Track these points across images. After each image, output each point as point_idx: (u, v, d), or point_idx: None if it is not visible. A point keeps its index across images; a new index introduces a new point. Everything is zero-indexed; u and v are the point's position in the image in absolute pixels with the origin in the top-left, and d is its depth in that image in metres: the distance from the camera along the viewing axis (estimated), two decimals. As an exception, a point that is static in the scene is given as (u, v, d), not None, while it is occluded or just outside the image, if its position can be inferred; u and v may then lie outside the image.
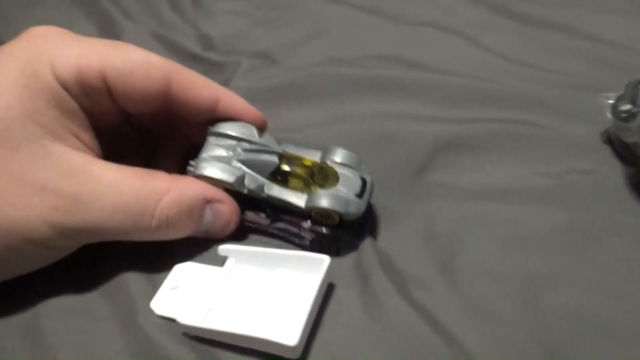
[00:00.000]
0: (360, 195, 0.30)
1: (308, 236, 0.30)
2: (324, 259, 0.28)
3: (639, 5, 0.46)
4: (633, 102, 0.32)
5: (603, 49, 0.42)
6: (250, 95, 0.33)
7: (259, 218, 0.31)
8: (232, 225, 0.31)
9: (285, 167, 0.31)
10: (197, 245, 0.31)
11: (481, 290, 0.28)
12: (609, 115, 0.33)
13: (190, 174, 0.30)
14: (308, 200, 0.30)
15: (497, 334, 0.26)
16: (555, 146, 0.35)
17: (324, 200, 0.29)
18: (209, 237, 0.30)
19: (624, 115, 0.32)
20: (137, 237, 0.28)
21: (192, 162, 0.30)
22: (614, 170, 0.34)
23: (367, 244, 0.30)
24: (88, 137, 0.28)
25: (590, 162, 0.34)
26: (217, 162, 0.30)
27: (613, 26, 0.44)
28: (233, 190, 0.30)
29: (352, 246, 0.30)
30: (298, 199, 0.30)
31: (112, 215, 0.27)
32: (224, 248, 0.30)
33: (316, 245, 0.30)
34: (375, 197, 0.32)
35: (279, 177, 0.31)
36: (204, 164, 0.30)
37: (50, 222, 0.26)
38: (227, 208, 0.30)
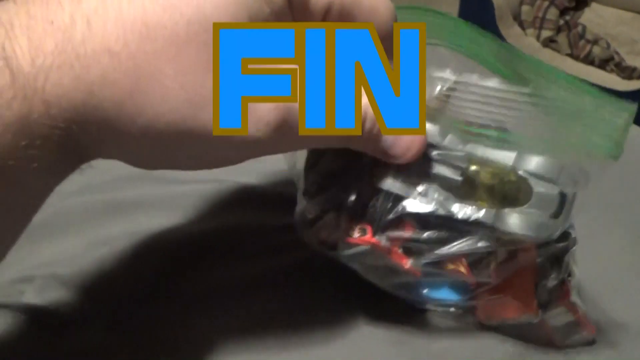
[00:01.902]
0: (556, 214, 0.27)
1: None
2: None
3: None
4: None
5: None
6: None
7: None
8: (414, 151, 0.28)
9: (473, 181, 0.27)
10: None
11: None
12: None
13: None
14: (494, 220, 0.27)
15: None
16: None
17: (514, 224, 0.26)
18: (387, 159, 0.28)
19: None
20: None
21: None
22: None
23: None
24: None
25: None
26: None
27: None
28: None
29: None
30: (485, 216, 0.27)
31: None
32: None
33: None
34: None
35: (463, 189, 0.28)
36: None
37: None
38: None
